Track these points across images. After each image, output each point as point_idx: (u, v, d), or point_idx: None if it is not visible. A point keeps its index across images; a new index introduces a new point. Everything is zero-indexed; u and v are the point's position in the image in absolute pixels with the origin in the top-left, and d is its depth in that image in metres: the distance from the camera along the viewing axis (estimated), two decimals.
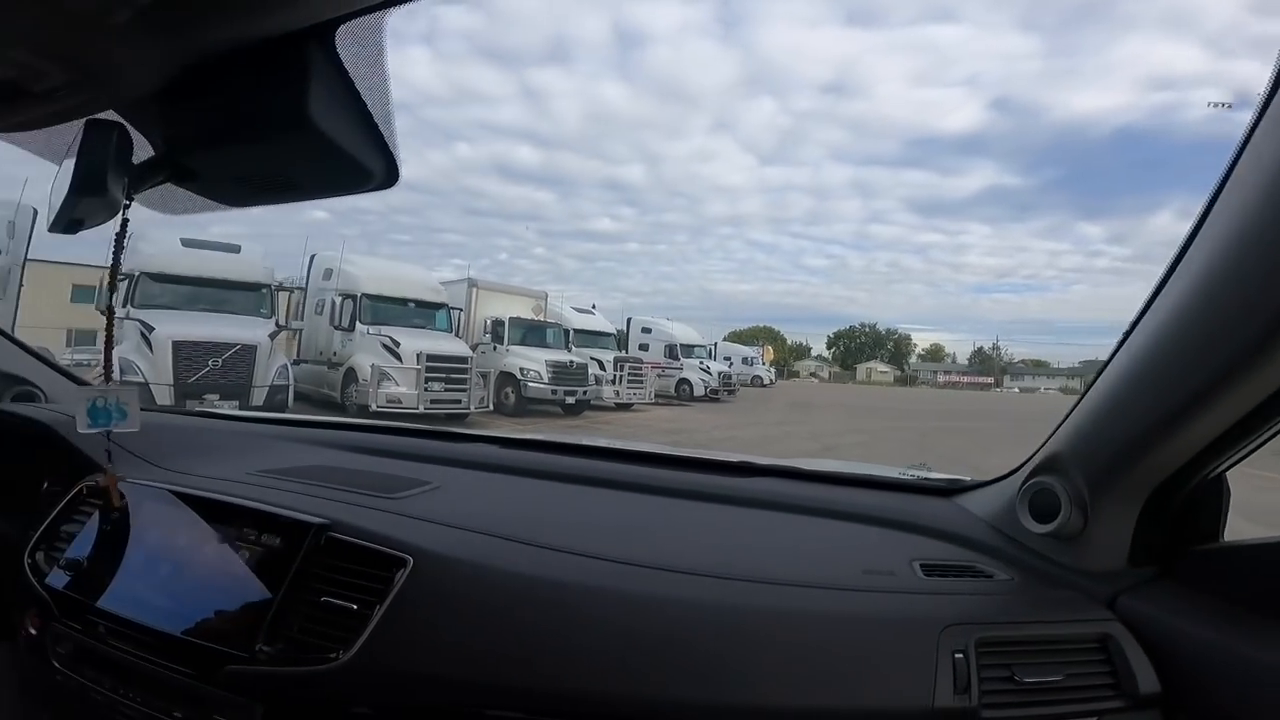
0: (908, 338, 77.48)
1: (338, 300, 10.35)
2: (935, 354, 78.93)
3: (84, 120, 0.60)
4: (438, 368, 9.95)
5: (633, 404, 14.89)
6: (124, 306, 7.98)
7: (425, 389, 9.70)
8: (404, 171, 0.61)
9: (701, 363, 19.60)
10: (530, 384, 11.79)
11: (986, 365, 67.20)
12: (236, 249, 8.93)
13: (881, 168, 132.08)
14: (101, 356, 0.96)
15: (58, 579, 1.01)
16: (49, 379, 1.45)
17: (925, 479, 1.19)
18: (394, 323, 10.40)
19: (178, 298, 8.46)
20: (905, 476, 1.22)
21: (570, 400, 12.28)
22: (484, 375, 11.20)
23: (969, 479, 1.14)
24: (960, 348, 79.23)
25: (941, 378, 64.79)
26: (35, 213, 8.07)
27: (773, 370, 34.74)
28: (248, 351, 8.10)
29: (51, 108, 0.58)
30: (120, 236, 0.78)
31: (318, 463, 1.26)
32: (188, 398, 7.27)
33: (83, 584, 0.99)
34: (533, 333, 13.21)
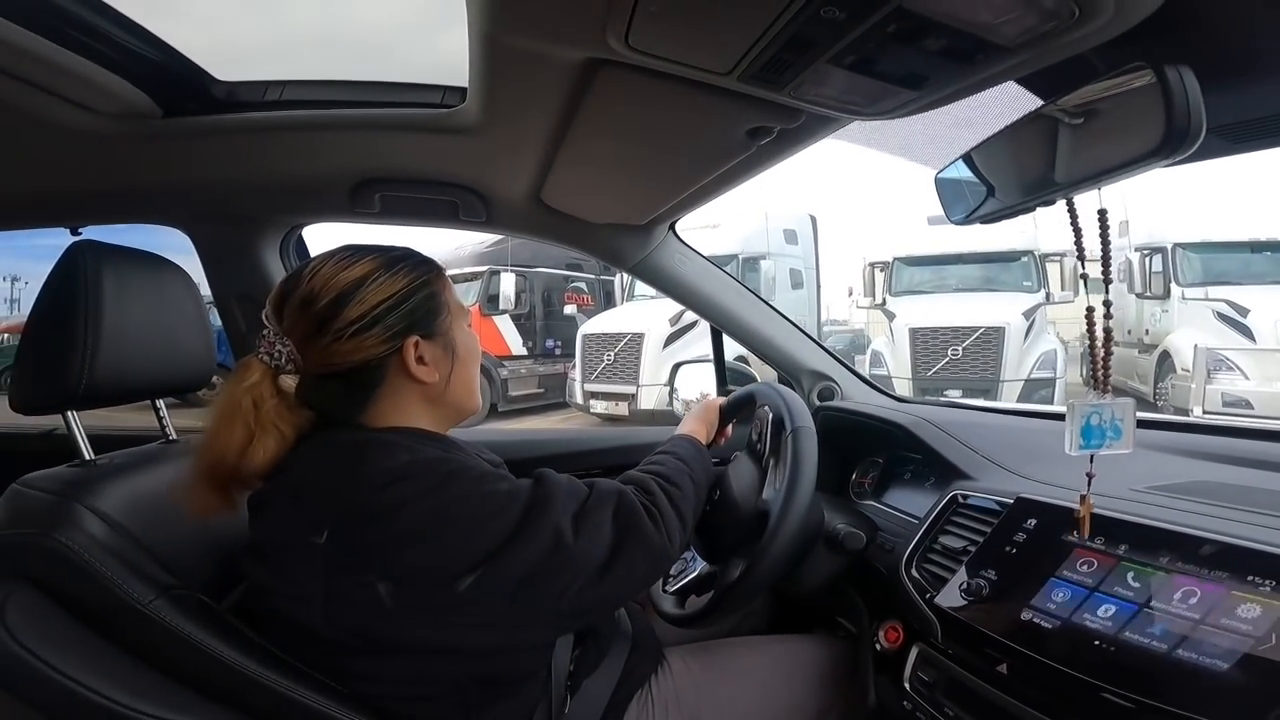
0: None
1: (1134, 258, 7.31)
2: None
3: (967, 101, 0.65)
4: None
5: None
6: (883, 295, 7.91)
7: None
8: None
9: None
10: None
11: None
12: None
13: None
14: None
15: (949, 597, 0.87)
16: (842, 375, 1.58)
17: None
18: (1239, 280, 6.49)
19: (925, 280, 7.74)
20: None
21: None
22: None
23: None
24: None
25: None
26: (814, 220, 9.00)
27: None
28: (993, 335, 6.54)
29: (1013, 59, 0.58)
30: (1103, 223, 0.67)
31: (1185, 476, 0.92)
32: (926, 394, 6.36)
33: (975, 609, 0.84)
34: None
